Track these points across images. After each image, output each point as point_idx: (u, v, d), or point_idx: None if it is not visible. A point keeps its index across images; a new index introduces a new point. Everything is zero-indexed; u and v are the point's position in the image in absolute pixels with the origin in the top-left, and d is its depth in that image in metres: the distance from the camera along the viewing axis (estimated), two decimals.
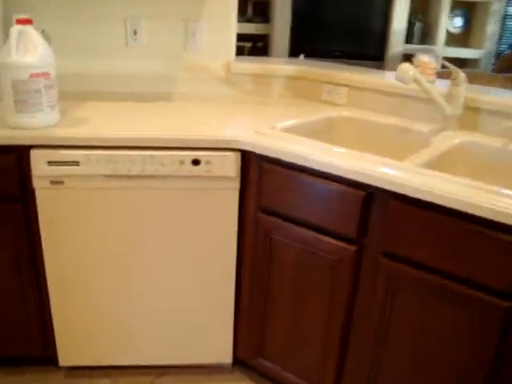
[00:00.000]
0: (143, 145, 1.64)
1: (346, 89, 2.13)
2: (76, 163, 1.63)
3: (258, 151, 1.63)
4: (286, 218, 1.65)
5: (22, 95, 1.55)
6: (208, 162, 1.65)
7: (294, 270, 1.69)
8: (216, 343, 1.97)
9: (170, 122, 1.79)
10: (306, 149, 1.56)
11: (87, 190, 1.68)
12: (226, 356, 2.01)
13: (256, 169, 1.68)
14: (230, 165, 1.66)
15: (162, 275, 1.83)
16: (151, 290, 1.85)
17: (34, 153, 1.62)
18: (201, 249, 1.79)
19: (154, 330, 1.92)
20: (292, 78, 2.24)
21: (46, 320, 1.90)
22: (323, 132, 1.95)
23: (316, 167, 1.51)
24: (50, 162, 1.62)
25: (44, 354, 1.98)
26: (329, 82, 2.16)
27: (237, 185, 1.71)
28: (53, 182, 1.66)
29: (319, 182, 1.53)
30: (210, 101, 2.11)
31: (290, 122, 1.81)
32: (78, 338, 1.92)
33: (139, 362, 2.00)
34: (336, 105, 2.14)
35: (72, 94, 2.06)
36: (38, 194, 1.68)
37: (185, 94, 2.18)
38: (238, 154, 1.67)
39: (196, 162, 1.65)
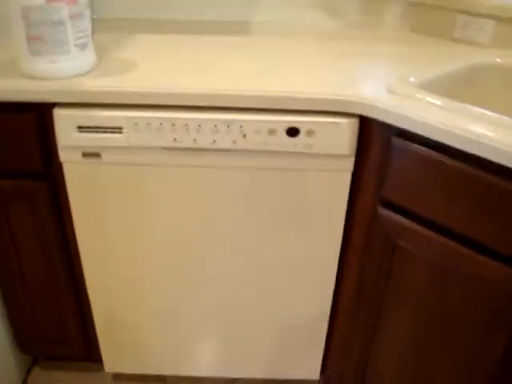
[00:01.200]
0: (214, 104, 1.07)
1: (492, 22, 1.47)
2: (118, 130, 1.09)
3: (388, 120, 1.04)
4: (422, 221, 1.07)
5: (36, 29, 1.00)
6: (310, 133, 1.08)
7: (424, 292, 1.13)
8: (303, 362, 1.47)
9: (252, 68, 1.21)
10: (476, 124, 0.96)
11: (133, 167, 1.14)
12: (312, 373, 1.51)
13: (380, 145, 1.10)
14: (342, 137, 1.08)
15: (236, 277, 1.31)
16: (222, 294, 1.34)
17: (57, 113, 1.08)
18: (289, 250, 1.25)
19: (224, 337, 1.43)
20: (412, 5, 1.58)
21: (85, 319, 1.44)
22: (466, 89, 1.32)
23: (493, 157, 0.91)
24: (80, 128, 1.09)
25: (87, 357, 1.53)
26: (465, 12, 1.50)
27: (349, 166, 1.13)
28: (86, 155, 1.13)
29: (490, 179, 0.93)
30: (303, 35, 1.50)
31: (426, 74, 1.19)
32: (125, 342, 1.45)
33: (204, 373, 1.53)
34: (474, 45, 1.49)
35: (113, 23, 1.50)
36: (66, 169, 1.16)
37: (267, 25, 1.57)
38: (356, 122, 1.08)
39: (293, 132, 1.08)
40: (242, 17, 1.57)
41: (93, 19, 1.13)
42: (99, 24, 1.49)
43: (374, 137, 1.10)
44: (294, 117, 1.07)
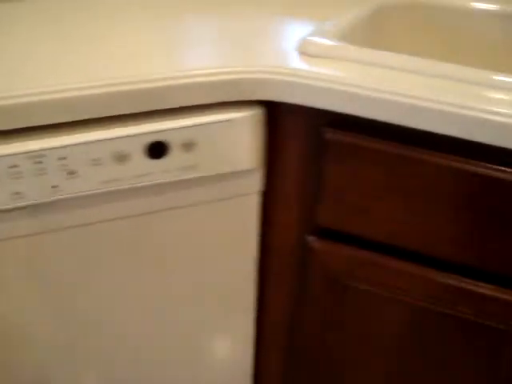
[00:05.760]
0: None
1: None
2: None
3: (316, 102, 0.57)
4: (384, 249, 0.64)
5: None
6: (188, 146, 0.58)
7: (402, 344, 0.71)
8: None
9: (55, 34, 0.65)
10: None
11: None
12: None
13: (301, 145, 0.63)
14: (241, 142, 0.60)
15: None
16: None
17: None
18: (183, 314, 0.76)
19: None
20: None
21: None
22: (381, 34, 0.89)
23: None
24: None
25: None
26: None
27: (256, 184, 0.66)
28: None
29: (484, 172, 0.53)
30: None
31: (341, 22, 0.73)
32: None
33: None
34: None
35: None
36: None
37: None
38: (261, 114, 0.60)
39: (156, 151, 0.57)
40: None
41: None
42: None
43: (291, 133, 0.63)
44: (152, 124, 0.56)
